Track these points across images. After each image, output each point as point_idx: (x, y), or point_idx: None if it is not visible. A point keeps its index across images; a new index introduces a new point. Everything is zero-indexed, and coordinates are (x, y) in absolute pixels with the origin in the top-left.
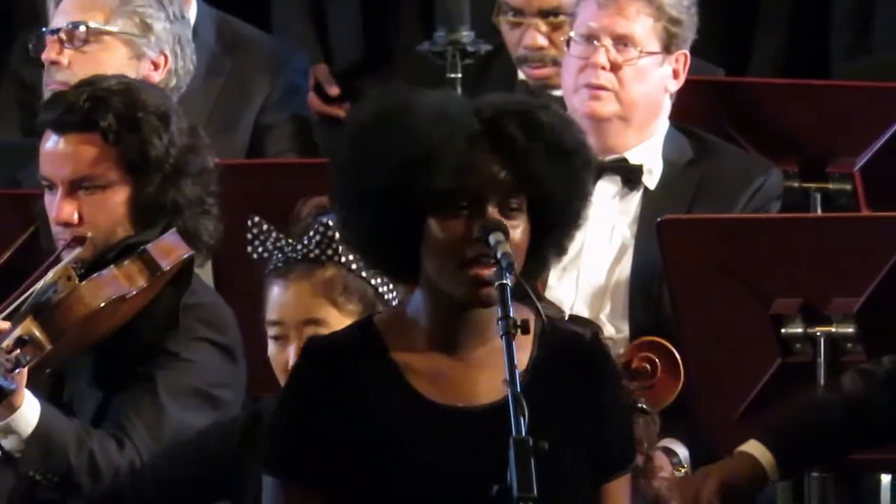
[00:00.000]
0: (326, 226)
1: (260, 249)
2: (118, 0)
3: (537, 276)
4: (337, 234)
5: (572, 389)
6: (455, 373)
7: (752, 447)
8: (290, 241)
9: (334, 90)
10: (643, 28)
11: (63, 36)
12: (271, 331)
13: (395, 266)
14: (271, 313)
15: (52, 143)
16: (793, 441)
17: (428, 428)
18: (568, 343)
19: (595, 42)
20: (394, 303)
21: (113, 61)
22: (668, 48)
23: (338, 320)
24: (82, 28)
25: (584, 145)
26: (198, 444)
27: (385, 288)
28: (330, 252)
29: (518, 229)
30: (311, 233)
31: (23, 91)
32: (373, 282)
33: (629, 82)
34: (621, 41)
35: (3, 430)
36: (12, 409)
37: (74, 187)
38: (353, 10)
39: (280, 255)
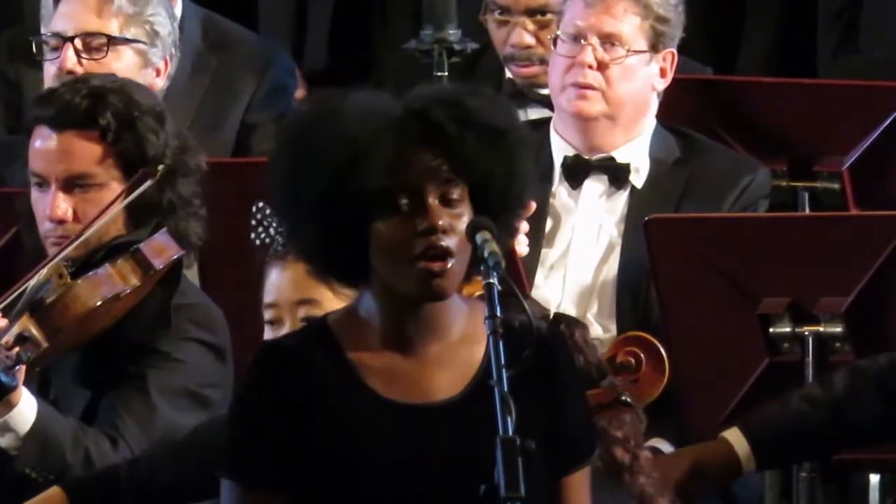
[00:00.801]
0: None
1: (263, 235)
2: (132, 7)
3: None
4: None
5: (529, 382)
6: (411, 370)
7: (732, 435)
8: None
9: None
10: (630, 27)
11: (79, 45)
12: (267, 314)
13: (344, 271)
14: (268, 296)
15: (47, 139)
16: (773, 434)
17: (385, 426)
18: (520, 337)
19: (582, 41)
20: None
21: (125, 70)
22: (655, 47)
23: (332, 302)
24: (101, 38)
25: (516, 124)
26: (194, 439)
27: None
28: None
29: (462, 219)
30: None
31: (7, 89)
32: None
33: (616, 81)
34: (608, 40)
35: (1, 427)
36: (10, 406)
37: (70, 184)
38: (341, 9)
39: (280, 240)
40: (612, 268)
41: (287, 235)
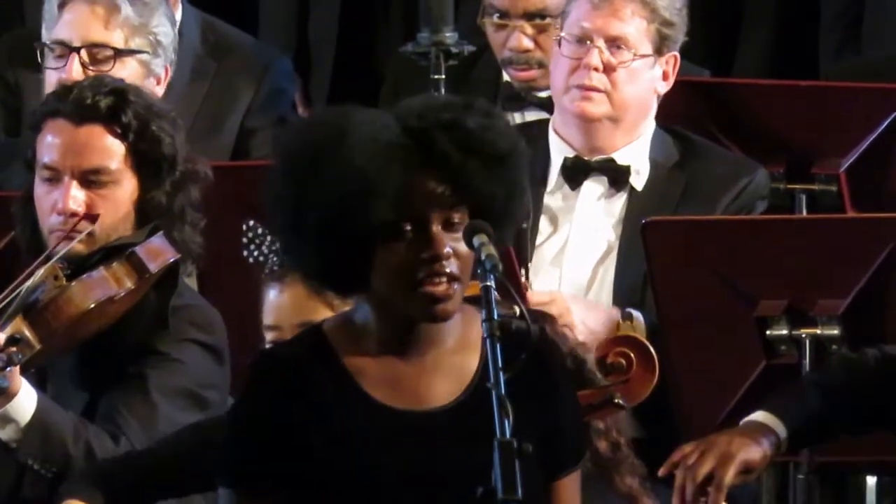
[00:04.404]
0: None
1: (255, 253)
2: (138, 18)
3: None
4: None
5: (523, 389)
6: (408, 377)
7: (764, 417)
8: None
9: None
10: (637, 30)
11: (84, 56)
12: (269, 335)
13: (343, 287)
14: (268, 317)
15: (65, 132)
16: (800, 416)
17: (382, 432)
18: (515, 341)
19: (588, 42)
20: None
21: (127, 79)
22: (659, 50)
23: None
24: (108, 51)
25: (516, 144)
26: (194, 435)
27: None
28: None
29: (462, 241)
30: None
31: (6, 92)
32: None
33: (621, 84)
34: (615, 43)
35: (1, 418)
36: (10, 397)
37: (86, 178)
38: (337, 11)
39: (275, 259)
40: (609, 269)
41: (284, 251)
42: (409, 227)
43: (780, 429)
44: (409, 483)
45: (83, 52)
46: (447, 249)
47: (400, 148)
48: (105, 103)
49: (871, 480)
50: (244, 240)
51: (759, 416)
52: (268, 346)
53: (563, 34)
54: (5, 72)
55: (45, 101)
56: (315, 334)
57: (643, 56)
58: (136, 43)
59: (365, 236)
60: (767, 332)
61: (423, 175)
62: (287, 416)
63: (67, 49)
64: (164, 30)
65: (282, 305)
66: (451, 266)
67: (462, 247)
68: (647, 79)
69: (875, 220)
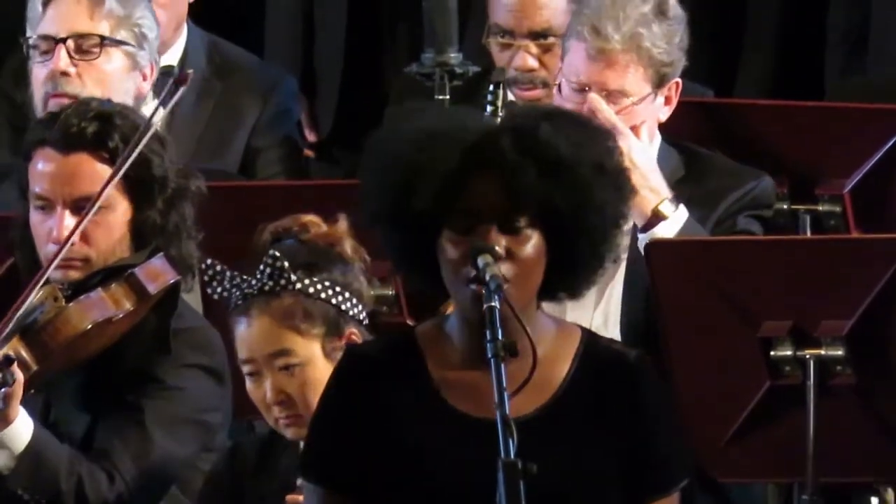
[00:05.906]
0: (275, 257)
1: (219, 290)
2: (122, 10)
3: (581, 288)
4: (286, 264)
5: (611, 408)
6: (487, 386)
7: None
8: (244, 277)
9: (311, 136)
10: (634, 77)
11: (71, 46)
12: (245, 368)
13: (427, 285)
14: (241, 352)
15: (53, 161)
16: None
17: (459, 440)
18: (610, 362)
19: (587, 89)
20: (361, 317)
21: (115, 73)
22: (659, 85)
23: (304, 347)
24: (93, 39)
25: (584, 156)
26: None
27: (349, 304)
28: (283, 282)
29: (527, 245)
30: (262, 266)
31: (13, 111)
32: (334, 301)
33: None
34: (611, 95)
35: None
36: (6, 423)
37: (78, 206)
38: (342, 32)
39: (238, 293)
40: (618, 283)
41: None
42: (463, 222)
43: None
44: (478, 490)
45: (69, 42)
46: (499, 248)
47: (466, 143)
48: (91, 130)
49: (876, 501)
50: (205, 278)
51: None
52: (247, 378)
53: (561, 79)
54: (12, 91)
55: (32, 129)
56: (406, 337)
57: (642, 98)
58: (121, 35)
59: (428, 225)
60: (771, 353)
61: (482, 173)
62: (365, 415)
63: (53, 42)
64: (149, 23)
65: (251, 337)
66: (503, 266)
67: (523, 250)
68: (648, 112)
69: (879, 241)
